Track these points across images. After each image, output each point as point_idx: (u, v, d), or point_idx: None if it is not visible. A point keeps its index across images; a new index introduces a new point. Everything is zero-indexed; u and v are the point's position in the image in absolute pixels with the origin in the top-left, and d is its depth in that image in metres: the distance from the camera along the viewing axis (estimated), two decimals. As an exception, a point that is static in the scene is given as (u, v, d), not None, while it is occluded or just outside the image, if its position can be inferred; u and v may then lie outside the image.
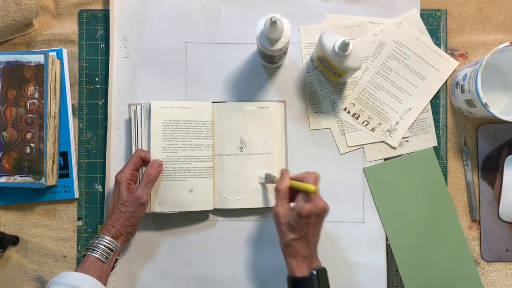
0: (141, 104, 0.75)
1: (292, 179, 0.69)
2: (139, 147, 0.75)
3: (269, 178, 0.75)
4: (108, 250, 0.68)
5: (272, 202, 0.77)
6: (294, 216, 0.65)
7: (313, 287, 0.64)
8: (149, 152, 0.74)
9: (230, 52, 0.80)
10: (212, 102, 0.78)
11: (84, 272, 0.66)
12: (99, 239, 0.69)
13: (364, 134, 0.79)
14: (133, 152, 0.75)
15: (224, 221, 0.79)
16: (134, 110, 0.75)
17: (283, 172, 0.70)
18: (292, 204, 0.67)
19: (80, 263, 0.69)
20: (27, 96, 0.76)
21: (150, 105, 0.75)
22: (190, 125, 0.76)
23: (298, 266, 0.65)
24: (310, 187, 0.64)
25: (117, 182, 0.72)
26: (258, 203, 0.78)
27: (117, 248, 0.70)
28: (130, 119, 0.78)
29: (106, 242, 0.69)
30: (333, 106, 0.79)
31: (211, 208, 0.77)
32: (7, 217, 0.80)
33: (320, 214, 0.65)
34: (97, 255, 0.67)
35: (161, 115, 0.75)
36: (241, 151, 0.78)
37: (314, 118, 0.79)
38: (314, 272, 0.64)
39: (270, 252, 0.79)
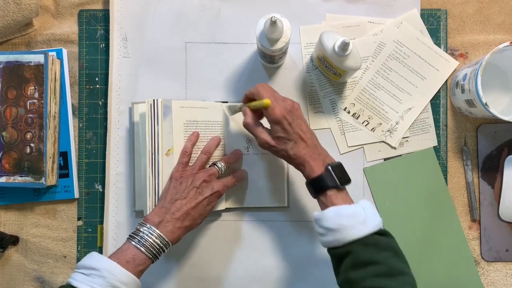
0: (159, 100, 0.71)
1: (249, 101, 0.69)
2: (156, 146, 0.71)
3: (232, 109, 0.76)
4: (162, 253, 0.65)
5: (275, 203, 0.78)
6: (273, 128, 0.65)
7: (331, 181, 0.62)
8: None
9: (230, 52, 0.80)
10: (222, 102, 0.78)
11: (132, 271, 0.61)
12: (163, 241, 0.64)
13: (364, 134, 0.79)
14: (146, 151, 0.71)
15: (227, 222, 0.79)
16: (151, 104, 0.71)
17: (243, 110, 0.69)
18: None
19: (129, 254, 0.62)
20: (27, 96, 0.76)
21: (169, 103, 0.72)
22: (208, 126, 0.76)
23: (312, 168, 0.63)
24: (263, 102, 0.64)
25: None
26: (264, 203, 0.78)
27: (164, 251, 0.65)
28: (140, 116, 0.75)
29: (164, 245, 0.64)
30: (333, 106, 0.79)
31: (223, 208, 0.77)
32: (7, 217, 0.80)
33: (291, 109, 0.65)
34: (150, 256, 0.63)
35: (182, 115, 0.73)
36: (247, 151, 0.78)
37: (314, 118, 0.79)
38: (329, 167, 0.62)
39: (273, 253, 0.79)
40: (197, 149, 0.74)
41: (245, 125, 0.68)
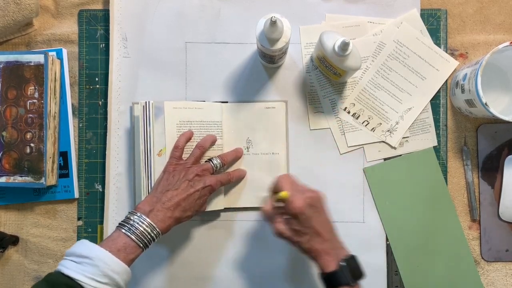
0: (150, 102, 0.73)
1: (273, 191, 0.68)
2: (149, 146, 0.73)
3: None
4: (152, 242, 0.64)
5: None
6: (292, 221, 0.64)
7: (344, 279, 0.62)
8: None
9: (230, 52, 0.80)
10: (222, 102, 0.79)
11: (123, 260, 0.60)
12: (153, 230, 0.63)
13: (364, 134, 0.79)
14: (139, 151, 0.73)
15: (226, 221, 0.79)
16: (143, 106, 0.73)
17: (266, 199, 0.69)
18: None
19: (120, 243, 0.61)
20: (27, 96, 0.76)
21: (161, 105, 0.73)
22: (203, 126, 0.76)
23: (325, 263, 0.63)
24: (281, 194, 0.64)
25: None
26: (263, 203, 0.78)
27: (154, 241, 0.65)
28: (137, 116, 0.74)
29: (155, 234, 0.64)
30: (333, 106, 0.79)
31: (222, 207, 0.77)
32: (7, 217, 0.80)
33: (313, 203, 0.64)
34: (141, 244, 0.62)
35: (175, 116, 0.74)
36: (248, 151, 0.78)
37: (314, 118, 0.79)
38: (343, 264, 0.63)
39: (273, 253, 0.79)
40: (191, 148, 0.74)
41: (264, 212, 0.67)
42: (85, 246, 0.60)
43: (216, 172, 0.73)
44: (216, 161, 0.73)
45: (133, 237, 0.62)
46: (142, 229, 0.62)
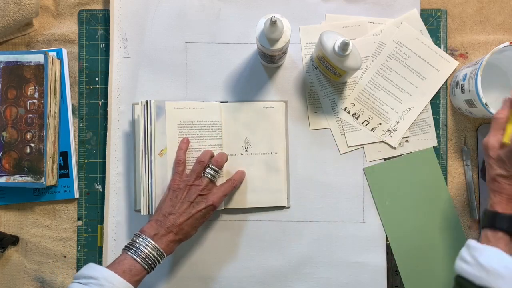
0: (151, 101, 0.73)
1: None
2: (150, 146, 0.73)
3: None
4: (157, 264, 0.67)
5: (275, 203, 0.78)
6: (508, 152, 0.59)
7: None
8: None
9: (230, 52, 0.80)
10: (220, 102, 0.79)
11: (128, 281, 0.62)
12: (158, 252, 0.66)
13: (364, 134, 0.79)
14: (140, 151, 0.73)
15: (226, 221, 0.79)
16: (144, 105, 0.73)
17: (505, 101, 0.63)
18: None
19: (126, 264, 0.64)
20: (27, 96, 0.76)
21: (162, 104, 0.73)
22: (204, 126, 0.76)
23: (501, 202, 0.60)
24: None
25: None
26: (264, 203, 0.78)
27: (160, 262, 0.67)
28: (137, 117, 0.75)
29: (159, 256, 0.66)
30: (333, 106, 0.79)
31: (222, 208, 0.77)
32: (7, 217, 0.80)
33: None
34: (146, 266, 0.65)
35: (176, 116, 0.74)
36: (246, 151, 0.78)
37: (314, 118, 0.79)
38: None
39: (273, 253, 0.79)
40: (193, 149, 0.74)
41: (496, 116, 0.62)
42: (91, 268, 0.63)
43: (217, 179, 0.73)
44: (213, 171, 0.72)
45: (138, 259, 0.64)
46: (147, 251, 0.65)
